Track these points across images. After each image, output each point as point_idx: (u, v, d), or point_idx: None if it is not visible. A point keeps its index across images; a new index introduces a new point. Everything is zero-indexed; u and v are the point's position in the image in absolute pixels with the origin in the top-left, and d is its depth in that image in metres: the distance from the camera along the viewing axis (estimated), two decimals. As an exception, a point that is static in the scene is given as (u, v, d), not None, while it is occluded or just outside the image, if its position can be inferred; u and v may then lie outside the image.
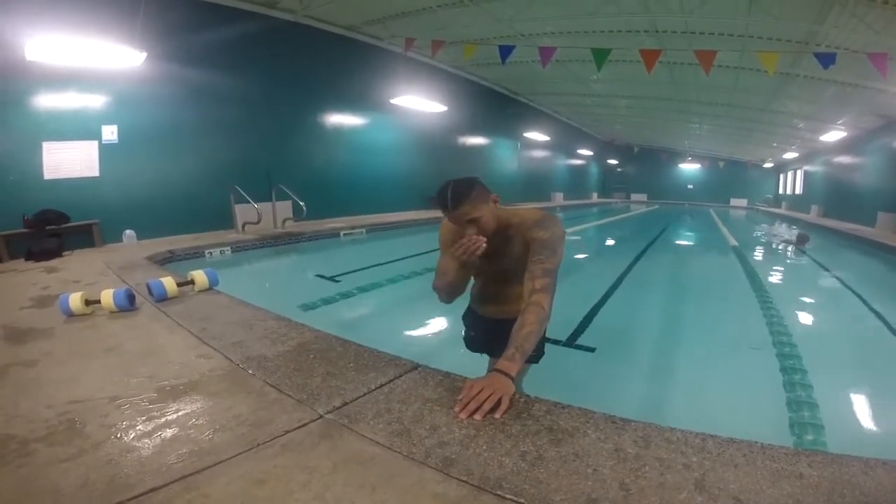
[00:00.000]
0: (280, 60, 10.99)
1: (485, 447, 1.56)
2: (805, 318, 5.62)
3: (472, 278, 2.61)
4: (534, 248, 2.13)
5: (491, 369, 1.88)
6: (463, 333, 2.90)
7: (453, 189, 2.07)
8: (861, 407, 3.20)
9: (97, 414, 1.92)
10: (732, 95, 16.08)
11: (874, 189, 15.46)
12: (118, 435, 1.74)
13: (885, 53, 7.63)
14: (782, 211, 26.17)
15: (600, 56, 9.29)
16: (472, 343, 2.82)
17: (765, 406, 3.15)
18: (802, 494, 1.28)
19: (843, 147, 18.38)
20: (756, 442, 1.55)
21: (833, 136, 17.90)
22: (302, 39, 11.41)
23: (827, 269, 8.57)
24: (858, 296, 6.30)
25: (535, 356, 2.57)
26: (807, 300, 6.52)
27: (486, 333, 2.60)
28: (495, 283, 2.48)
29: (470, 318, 2.78)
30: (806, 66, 10.98)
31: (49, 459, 1.60)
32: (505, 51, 9.82)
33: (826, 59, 8.03)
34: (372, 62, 13.35)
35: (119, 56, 7.39)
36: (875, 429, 2.96)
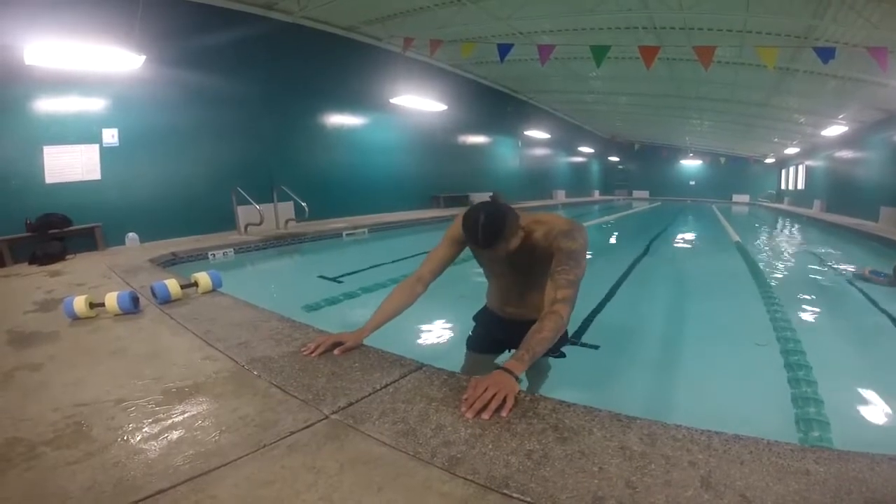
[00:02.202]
0: (279, 62, 11.02)
1: (490, 446, 1.56)
2: (809, 314, 5.60)
3: (493, 280, 2.68)
4: (559, 258, 2.14)
5: (498, 368, 1.89)
6: (470, 332, 2.92)
7: (485, 227, 2.03)
8: (866, 403, 3.19)
9: (103, 416, 1.92)
10: (732, 91, 16.08)
11: (877, 184, 15.41)
12: (125, 437, 1.75)
13: (885, 47, 7.62)
14: (785, 206, 26.10)
15: (599, 53, 9.28)
16: (480, 342, 2.85)
17: (770, 402, 3.14)
18: (809, 491, 1.28)
19: (845, 142, 18.32)
20: (762, 439, 1.55)
21: (834, 130, 17.87)
22: (301, 40, 11.42)
23: (830, 264, 8.55)
24: (862, 291, 6.29)
25: (559, 353, 2.65)
26: (810, 296, 6.50)
27: (503, 332, 2.65)
28: (518, 288, 2.53)
29: (485, 317, 2.83)
30: (805, 60, 10.95)
31: (56, 462, 1.60)
32: (503, 49, 9.82)
33: (825, 54, 8.01)
34: (371, 62, 13.37)
35: (118, 59, 7.42)
36: (881, 424, 2.95)
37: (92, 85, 7.85)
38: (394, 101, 13.68)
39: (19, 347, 2.91)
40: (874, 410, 3.09)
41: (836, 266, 8.30)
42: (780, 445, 1.51)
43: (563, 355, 2.68)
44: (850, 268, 7.72)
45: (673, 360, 4.01)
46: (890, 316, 5.07)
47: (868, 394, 3.26)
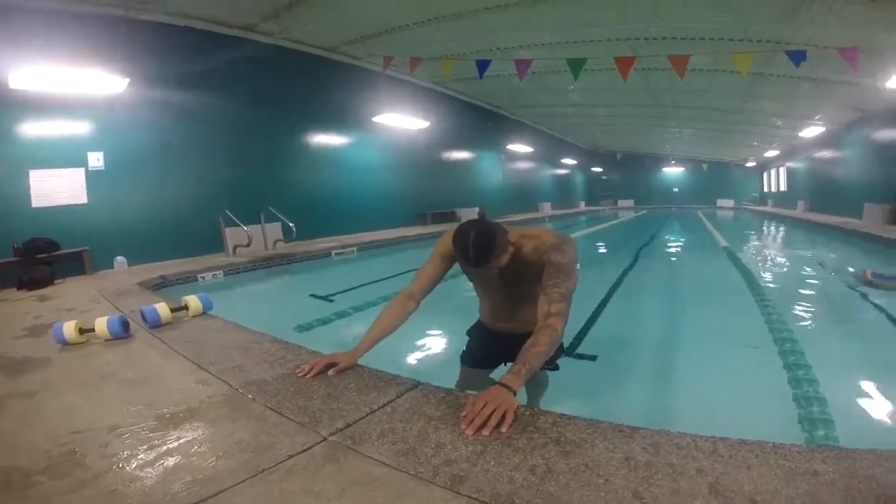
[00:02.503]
0: (263, 83, 11.05)
1: (493, 463, 1.54)
2: (803, 314, 5.62)
3: (484, 295, 2.69)
4: (550, 272, 2.17)
5: (495, 383, 1.88)
6: (464, 347, 2.90)
7: (475, 245, 2.04)
8: (868, 398, 3.19)
9: (97, 444, 1.89)
10: (708, 98, 16.25)
11: (858, 181, 15.73)
12: (120, 465, 1.72)
13: (855, 47, 7.75)
14: (769, 209, 26.40)
15: (576, 66, 9.39)
16: (474, 357, 2.85)
17: (772, 404, 3.14)
18: (818, 491, 1.28)
19: (824, 142, 18.66)
20: (767, 442, 1.54)
21: (812, 131, 18.15)
22: (282, 62, 11.45)
23: (819, 263, 8.64)
24: (853, 287, 6.34)
25: (553, 365, 2.65)
26: (802, 295, 6.54)
27: (496, 346, 2.65)
28: (510, 302, 2.53)
29: (479, 331, 2.84)
30: (778, 64, 11.08)
31: (52, 492, 1.57)
32: (482, 65, 9.94)
33: (797, 57, 8.17)
34: (352, 82, 13.43)
35: (102, 82, 7.46)
36: (886, 419, 2.96)
37: (77, 108, 7.86)
38: (376, 119, 13.71)
39: (11, 374, 2.87)
40: (878, 406, 3.09)
41: (824, 265, 8.37)
42: (787, 447, 1.51)
43: (556, 367, 2.68)
44: (849, 270, 7.50)
45: (671, 367, 4.01)
46: (884, 311, 5.11)
47: (870, 389, 3.27)
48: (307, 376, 2.36)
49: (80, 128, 8.01)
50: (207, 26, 9.79)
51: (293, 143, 12.06)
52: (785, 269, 9.13)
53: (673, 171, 38.63)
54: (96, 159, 8.12)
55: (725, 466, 1.43)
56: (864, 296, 5.84)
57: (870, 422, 2.94)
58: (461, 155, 19.44)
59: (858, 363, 3.89)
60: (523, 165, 25.30)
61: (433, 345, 4.64)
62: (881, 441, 1.61)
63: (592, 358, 4.08)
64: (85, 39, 7.63)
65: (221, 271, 7.97)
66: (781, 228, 17.20)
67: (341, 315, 5.61)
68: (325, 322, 5.33)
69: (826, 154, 19.02)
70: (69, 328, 3.34)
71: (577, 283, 2.21)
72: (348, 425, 1.88)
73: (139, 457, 1.76)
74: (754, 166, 32.67)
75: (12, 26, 6.99)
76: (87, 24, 7.81)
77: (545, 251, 2.22)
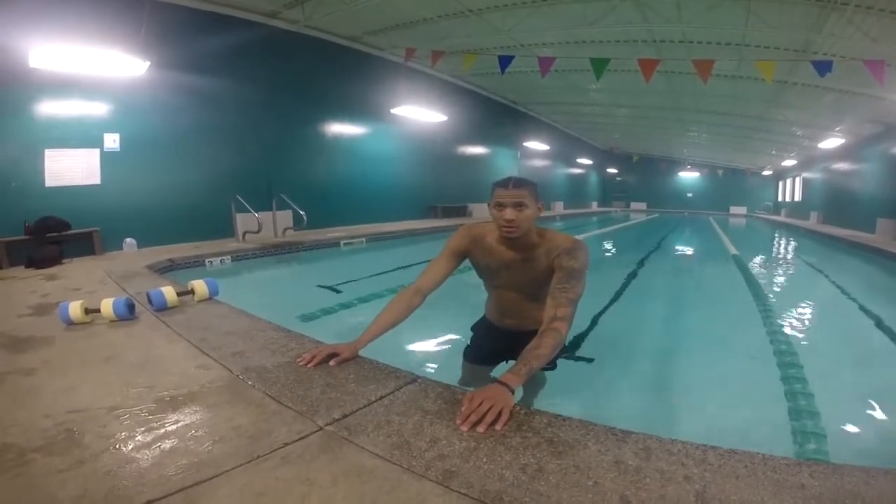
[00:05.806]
0: (282, 69, 11.10)
1: (485, 460, 1.55)
2: (806, 327, 5.58)
3: (493, 292, 2.70)
4: (561, 276, 2.21)
5: (495, 380, 1.89)
6: (468, 342, 2.92)
7: (517, 176, 2.33)
8: (862, 415, 3.17)
9: (96, 424, 1.90)
10: (730, 104, 16.16)
11: (873, 195, 15.51)
12: (117, 446, 1.73)
13: (883, 61, 7.67)
14: (782, 218, 26.18)
15: (599, 65, 9.35)
16: (478, 353, 2.89)
17: (766, 416, 3.13)
18: (804, 505, 1.27)
19: (842, 154, 18.44)
20: (757, 453, 1.54)
21: (831, 142, 17.99)
22: (304, 49, 11.51)
23: (827, 277, 8.56)
24: (859, 303, 6.28)
25: (552, 364, 2.65)
26: (807, 308, 6.50)
27: (501, 343, 2.68)
28: (517, 301, 2.56)
29: (484, 327, 2.86)
30: (803, 73, 11.01)
31: (46, 469, 1.58)
32: (504, 61, 9.89)
33: (823, 67, 8.09)
34: (373, 72, 13.45)
35: (122, 64, 7.50)
36: (876, 437, 2.94)
37: (95, 89, 7.90)
38: (394, 111, 13.73)
39: (13, 351, 2.89)
40: (870, 423, 3.08)
41: (832, 278, 8.30)
42: (776, 460, 1.50)
43: (554, 367, 2.68)
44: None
45: (668, 373, 4.00)
46: (887, 329, 5.06)
47: (864, 406, 3.25)
48: (308, 365, 2.37)
49: (97, 109, 8.06)
50: (230, 11, 9.87)
51: (309, 132, 12.11)
52: (791, 280, 9.04)
53: (688, 176, 38.40)
54: (112, 140, 8.18)
55: (714, 475, 1.43)
56: (869, 312, 5.78)
57: (862, 439, 2.92)
58: (477, 150, 19.44)
59: (855, 378, 3.86)
60: (539, 163, 25.28)
61: (436, 340, 4.64)
62: (870, 459, 1.60)
63: (589, 360, 4.08)
64: (107, 20, 7.67)
65: (229, 257, 8.01)
66: (792, 239, 17.03)
67: (346, 306, 5.63)
68: (329, 312, 5.34)
69: (843, 166, 18.82)
70: (75, 308, 3.37)
71: (585, 288, 2.23)
72: (345, 416, 1.89)
73: (137, 438, 1.78)
74: (770, 175, 32.42)
75: (34, 4, 7.01)
76: (110, 5, 7.85)
77: (558, 254, 2.26)
